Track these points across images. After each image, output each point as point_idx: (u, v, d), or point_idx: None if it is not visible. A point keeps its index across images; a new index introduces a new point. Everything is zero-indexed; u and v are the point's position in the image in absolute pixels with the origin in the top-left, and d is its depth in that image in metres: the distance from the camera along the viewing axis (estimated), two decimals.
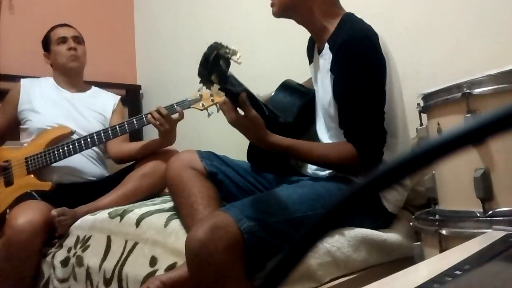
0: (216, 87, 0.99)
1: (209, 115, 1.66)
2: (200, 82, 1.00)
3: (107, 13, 2.85)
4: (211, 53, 0.97)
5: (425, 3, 1.69)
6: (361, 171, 1.19)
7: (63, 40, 2.02)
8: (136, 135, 2.39)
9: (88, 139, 1.82)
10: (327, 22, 1.29)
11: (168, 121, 1.68)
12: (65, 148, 1.82)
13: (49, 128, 1.91)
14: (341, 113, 1.23)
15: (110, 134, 1.81)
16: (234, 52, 1.01)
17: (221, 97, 1.15)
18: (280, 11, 1.31)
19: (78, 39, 2.06)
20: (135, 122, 1.78)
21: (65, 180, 1.89)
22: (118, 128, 1.80)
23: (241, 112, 1.14)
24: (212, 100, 1.66)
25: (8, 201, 1.79)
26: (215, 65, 0.97)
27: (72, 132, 1.89)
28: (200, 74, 0.99)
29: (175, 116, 1.70)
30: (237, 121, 1.14)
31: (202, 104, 1.69)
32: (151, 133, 2.17)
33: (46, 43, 2.05)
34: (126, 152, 1.93)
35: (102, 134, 1.81)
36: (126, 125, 1.79)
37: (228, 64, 1.01)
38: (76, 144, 1.81)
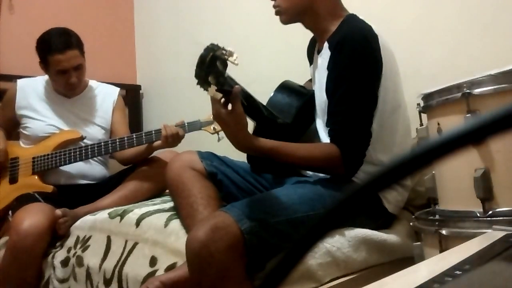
0: (213, 88, 0.99)
1: (219, 139, 1.60)
2: (197, 84, 0.99)
3: (107, 13, 2.85)
4: (208, 54, 0.97)
5: (426, 3, 1.69)
6: (343, 172, 1.17)
7: (63, 71, 1.85)
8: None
9: (96, 148, 1.84)
10: (330, 23, 1.29)
11: (177, 140, 1.72)
12: (72, 154, 1.83)
13: (49, 135, 1.91)
14: (329, 110, 1.23)
15: (118, 146, 1.83)
16: (231, 54, 1.00)
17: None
18: (289, 19, 1.30)
19: (79, 67, 1.88)
20: (143, 137, 1.80)
21: (67, 182, 1.89)
22: (126, 141, 1.82)
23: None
24: None
25: (9, 198, 1.80)
26: (211, 66, 0.97)
27: (82, 138, 1.91)
28: (196, 75, 0.98)
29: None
30: (219, 115, 1.07)
31: (214, 128, 1.70)
32: None
33: (44, 61, 1.87)
34: (126, 156, 1.93)
35: (110, 145, 1.84)
36: (134, 139, 1.81)
37: (225, 66, 1.00)
38: (83, 151, 1.84)
